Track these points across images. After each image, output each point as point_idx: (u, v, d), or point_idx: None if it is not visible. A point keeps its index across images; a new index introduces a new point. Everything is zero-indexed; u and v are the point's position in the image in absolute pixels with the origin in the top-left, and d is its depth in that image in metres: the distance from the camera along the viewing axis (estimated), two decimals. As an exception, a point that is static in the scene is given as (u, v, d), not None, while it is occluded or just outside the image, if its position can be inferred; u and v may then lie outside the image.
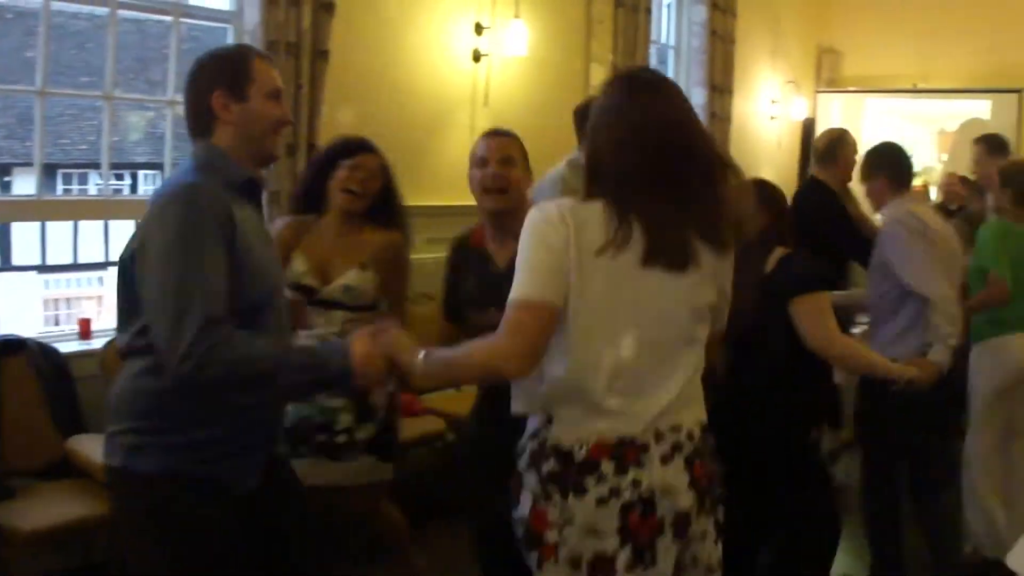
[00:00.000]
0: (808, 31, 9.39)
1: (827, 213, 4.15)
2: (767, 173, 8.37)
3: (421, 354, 1.78)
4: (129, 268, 1.87)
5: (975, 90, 8.49)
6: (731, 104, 7.53)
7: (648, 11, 6.37)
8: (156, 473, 1.84)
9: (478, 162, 2.55)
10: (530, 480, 1.80)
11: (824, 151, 4.33)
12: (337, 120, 4.18)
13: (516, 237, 1.76)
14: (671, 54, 7.47)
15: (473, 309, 2.54)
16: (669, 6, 7.47)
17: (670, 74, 7.47)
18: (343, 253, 2.85)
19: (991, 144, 4.97)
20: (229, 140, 1.94)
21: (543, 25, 5.47)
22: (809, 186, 4.52)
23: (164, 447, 1.85)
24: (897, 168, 3.52)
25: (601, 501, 1.72)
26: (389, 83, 4.63)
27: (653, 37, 6.71)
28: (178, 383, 1.75)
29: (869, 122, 9.01)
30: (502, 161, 2.53)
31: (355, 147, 2.92)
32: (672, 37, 7.45)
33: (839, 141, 4.34)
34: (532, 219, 1.75)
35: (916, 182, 7.96)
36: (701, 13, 7.22)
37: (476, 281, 2.56)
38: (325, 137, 4.08)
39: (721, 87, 7.38)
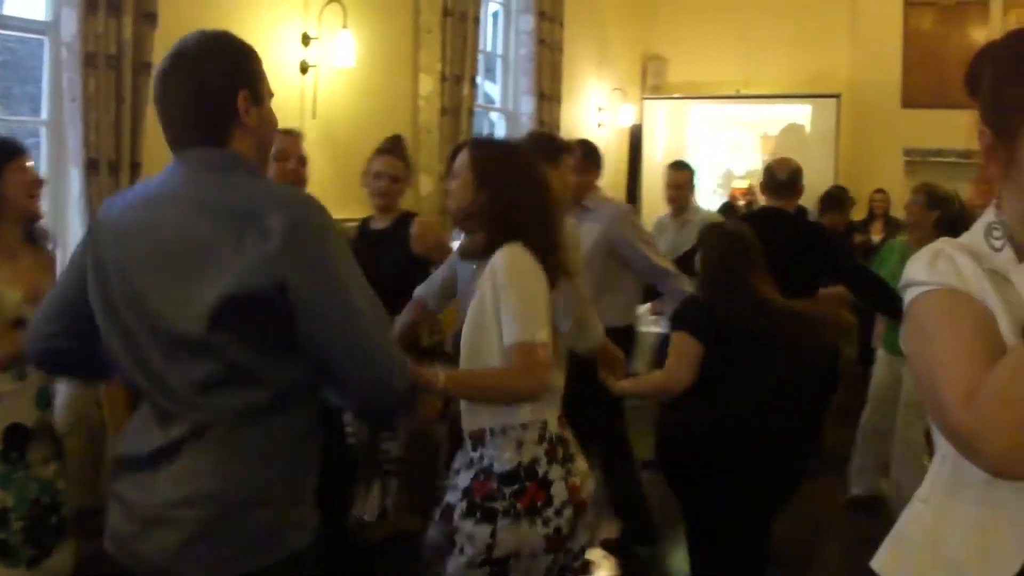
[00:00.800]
0: (634, 39, 10.05)
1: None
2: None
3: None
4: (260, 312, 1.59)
5: (796, 95, 9.41)
6: (559, 112, 8.00)
7: (476, 20, 6.71)
8: None
9: (277, 154, 2.99)
10: None
11: (787, 182, 4.44)
12: (161, 136, 4.26)
13: None
14: (499, 63, 7.88)
15: None
16: (496, 15, 7.86)
17: (498, 83, 7.87)
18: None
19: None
20: (247, 150, 1.74)
21: (371, 35, 5.71)
22: (802, 220, 4.83)
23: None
24: None
25: None
26: (213, 95, 4.73)
27: (481, 46, 7.06)
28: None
29: (694, 127, 9.77)
30: (300, 159, 3.07)
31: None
32: (500, 46, 7.86)
33: (800, 172, 4.52)
34: (517, 264, 2.17)
35: (742, 184, 8.79)
36: (528, 22, 7.63)
37: None
38: (149, 154, 4.18)
39: (549, 95, 7.82)
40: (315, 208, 1.65)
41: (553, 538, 2.14)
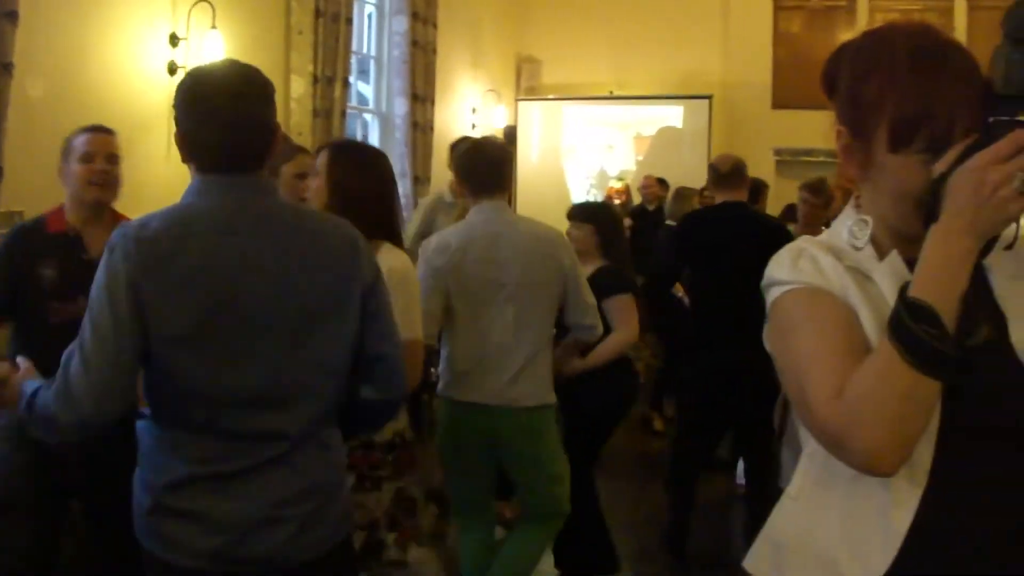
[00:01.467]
0: (508, 40, 10.40)
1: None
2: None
3: None
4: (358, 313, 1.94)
5: (669, 97, 9.91)
6: (433, 114, 8.24)
7: (349, 21, 6.87)
8: None
9: (83, 157, 3.01)
10: None
11: (731, 173, 4.67)
12: (24, 139, 4.30)
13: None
14: (372, 64, 8.10)
15: (57, 299, 2.88)
16: (370, 16, 8.06)
17: (371, 85, 8.07)
18: None
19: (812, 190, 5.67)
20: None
21: (241, 36, 5.81)
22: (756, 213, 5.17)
23: None
24: None
25: None
26: (78, 98, 4.78)
27: (355, 48, 7.25)
28: None
29: (568, 128, 10.16)
30: (108, 158, 3.04)
31: None
32: (373, 47, 8.08)
33: (743, 164, 4.80)
34: (398, 269, 2.69)
35: (617, 184, 9.20)
36: (402, 23, 7.86)
37: (60, 269, 2.93)
38: (11, 159, 4.23)
39: (423, 97, 8.05)
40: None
41: None
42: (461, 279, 3.20)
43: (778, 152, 9.91)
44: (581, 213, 4.21)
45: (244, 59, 5.92)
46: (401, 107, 7.92)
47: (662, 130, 9.93)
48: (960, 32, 9.85)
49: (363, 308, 1.92)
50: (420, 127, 8.02)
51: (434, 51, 8.20)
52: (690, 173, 8.51)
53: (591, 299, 3.39)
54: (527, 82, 10.68)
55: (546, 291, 3.27)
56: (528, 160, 10.13)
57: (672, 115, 9.99)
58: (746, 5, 10.36)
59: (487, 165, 3.34)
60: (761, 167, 9.37)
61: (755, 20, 10.31)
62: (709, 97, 9.72)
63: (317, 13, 6.50)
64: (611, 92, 10.23)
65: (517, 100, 10.42)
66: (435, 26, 8.17)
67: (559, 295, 3.30)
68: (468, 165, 3.42)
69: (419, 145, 7.95)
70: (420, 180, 7.93)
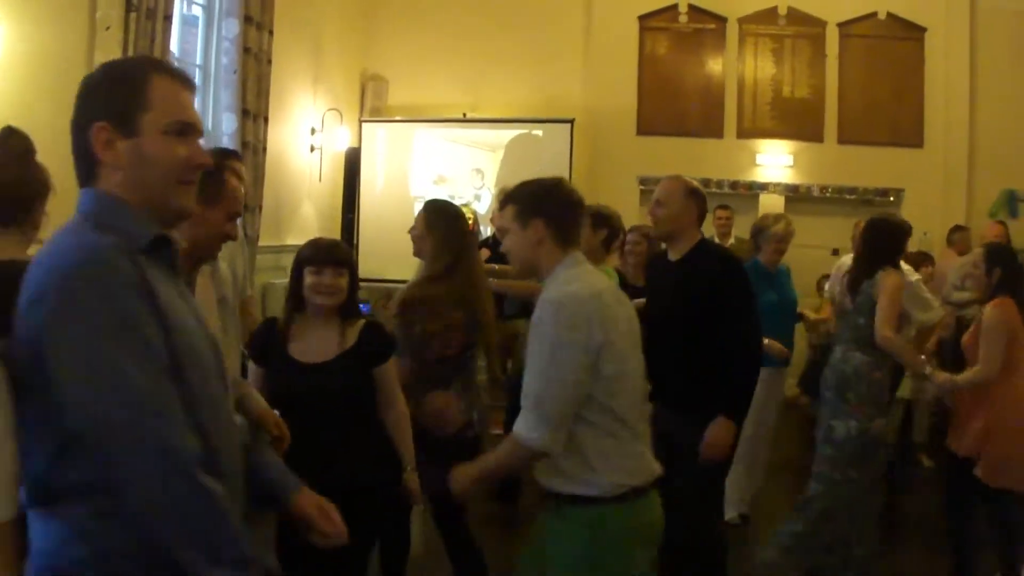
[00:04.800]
0: (352, 56, 10.60)
1: None
2: (308, 208, 9.30)
3: None
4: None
5: (528, 120, 10.20)
6: (266, 133, 8.17)
7: (168, 19, 6.54)
8: None
9: None
10: None
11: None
12: None
13: None
14: (198, 73, 7.84)
15: None
16: (197, 17, 7.89)
17: (197, 97, 7.95)
18: None
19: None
20: (119, 188, 1.90)
21: (33, 30, 5.59)
22: None
23: None
24: None
25: None
26: None
27: (177, 53, 7.16)
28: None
29: (419, 152, 10.31)
30: None
31: None
32: (199, 54, 7.91)
33: None
34: None
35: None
36: (233, 27, 7.79)
37: None
38: None
39: (255, 113, 7.97)
40: (75, 263, 1.84)
41: None
42: None
43: (643, 181, 10.31)
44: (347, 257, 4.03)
45: (37, 58, 5.75)
46: (229, 124, 7.80)
47: (519, 153, 10.14)
48: (832, 59, 10.51)
49: None
50: (251, 148, 7.91)
51: (269, 61, 8.15)
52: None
53: None
54: (372, 102, 10.83)
55: None
56: (372, 186, 10.25)
57: (531, 139, 10.26)
58: (610, 25, 10.84)
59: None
60: (625, 196, 9.77)
61: (620, 41, 10.80)
62: (571, 121, 10.06)
63: (128, 6, 6.18)
64: (464, 114, 10.46)
65: (361, 121, 10.56)
66: (271, 33, 8.13)
67: None
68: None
69: (249, 168, 7.68)
70: (249, 208, 7.73)
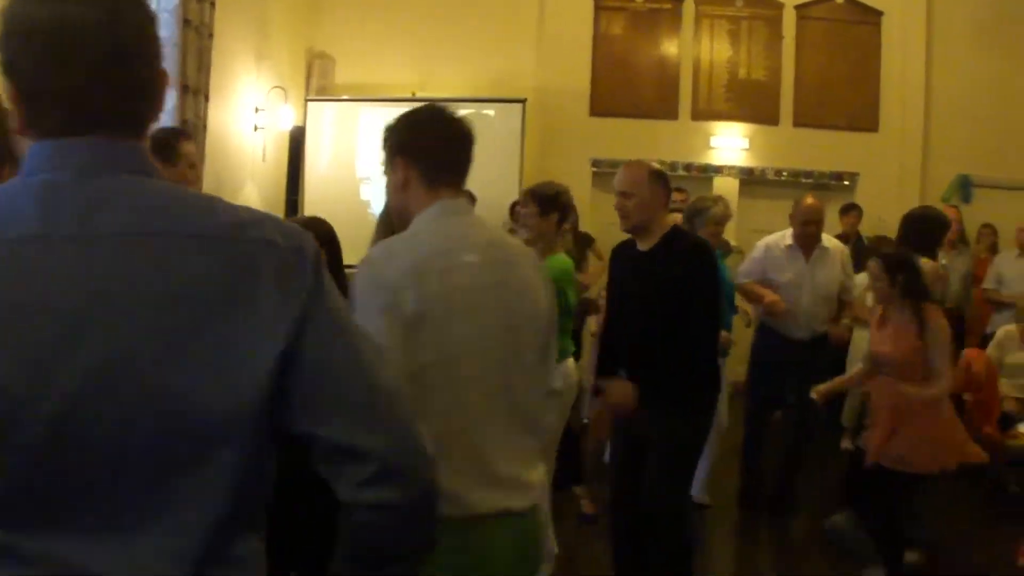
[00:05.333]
0: (298, 33, 10.48)
1: None
2: (251, 189, 9.19)
3: None
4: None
5: (479, 100, 10.11)
6: (207, 110, 8.03)
7: None
8: None
9: None
10: None
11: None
12: None
13: None
14: (134, 46, 7.76)
15: None
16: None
17: (134, 69, 7.83)
18: None
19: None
20: None
21: None
22: None
23: None
24: None
25: None
26: None
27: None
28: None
29: (366, 132, 10.23)
30: None
31: None
32: (136, 25, 7.78)
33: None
34: None
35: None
36: (172, -2, 7.65)
37: None
38: None
39: (195, 89, 7.82)
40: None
41: None
42: None
43: (596, 163, 10.33)
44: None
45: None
46: (168, 100, 7.63)
47: (467, 118, 10.10)
48: (788, 41, 10.57)
49: None
50: (191, 125, 7.70)
51: (211, 35, 7.99)
52: (500, 181, 8.74)
53: None
54: (319, 81, 10.73)
55: None
56: (317, 166, 10.17)
57: (482, 120, 10.20)
58: (564, 4, 10.83)
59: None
60: (577, 178, 9.76)
61: (574, 20, 10.79)
62: (523, 101, 10.04)
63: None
64: (413, 93, 10.38)
65: (307, 100, 10.45)
66: (213, 5, 7.97)
67: None
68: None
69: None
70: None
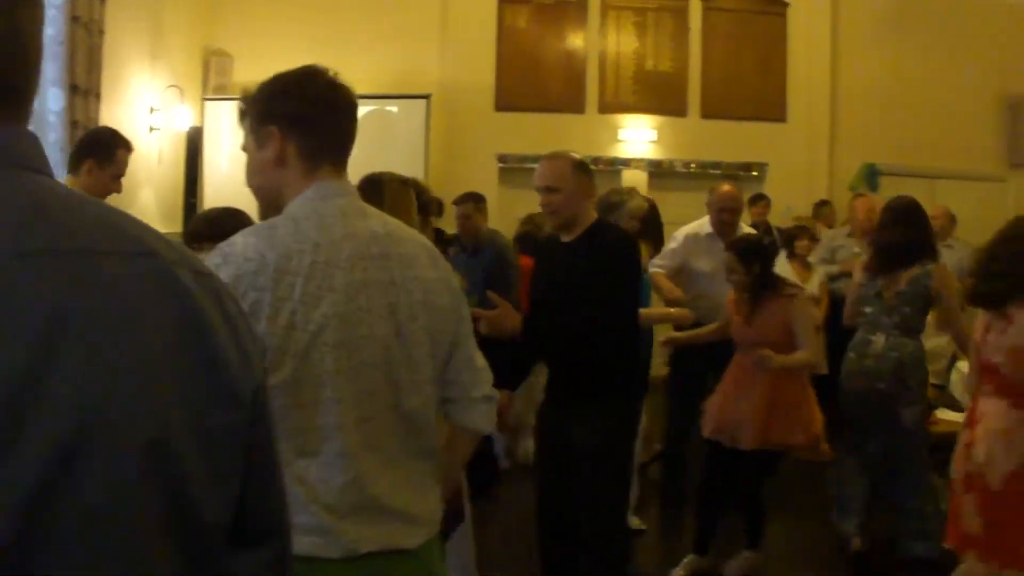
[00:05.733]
0: (193, 30, 10.32)
1: None
2: (147, 193, 9.02)
3: None
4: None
5: (382, 96, 10.06)
6: (98, 110, 7.89)
7: None
8: None
9: None
10: None
11: None
12: None
13: None
14: (19, 44, 7.57)
15: None
16: (15, -16, 7.60)
17: (19, 69, 7.63)
18: None
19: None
20: None
21: None
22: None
23: None
24: None
25: None
26: None
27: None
28: None
29: (265, 133, 10.07)
30: None
31: None
32: (20, 23, 7.59)
33: None
34: None
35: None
36: (59, -6, 7.47)
37: None
38: None
39: (86, 88, 7.67)
40: None
41: None
42: None
43: (502, 158, 10.32)
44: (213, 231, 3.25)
45: None
46: (56, 101, 7.49)
47: (373, 131, 10.07)
48: (695, 33, 10.68)
49: None
50: (82, 127, 7.58)
51: (101, 32, 7.83)
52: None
53: None
54: (216, 79, 10.56)
55: None
56: (216, 167, 10.00)
57: (386, 116, 10.16)
58: (468, -3, 10.78)
59: None
60: (484, 174, 9.75)
61: (478, 13, 10.78)
62: (427, 97, 10.01)
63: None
64: (316, 92, 10.26)
65: (204, 99, 10.28)
66: (103, 0, 7.82)
67: None
68: None
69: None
70: (83, 189, 7.54)
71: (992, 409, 3.84)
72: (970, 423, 3.97)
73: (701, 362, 6.04)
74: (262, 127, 2.20)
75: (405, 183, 3.92)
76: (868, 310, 5.37)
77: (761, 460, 4.99)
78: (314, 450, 2.00)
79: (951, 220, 8.57)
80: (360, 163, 8.86)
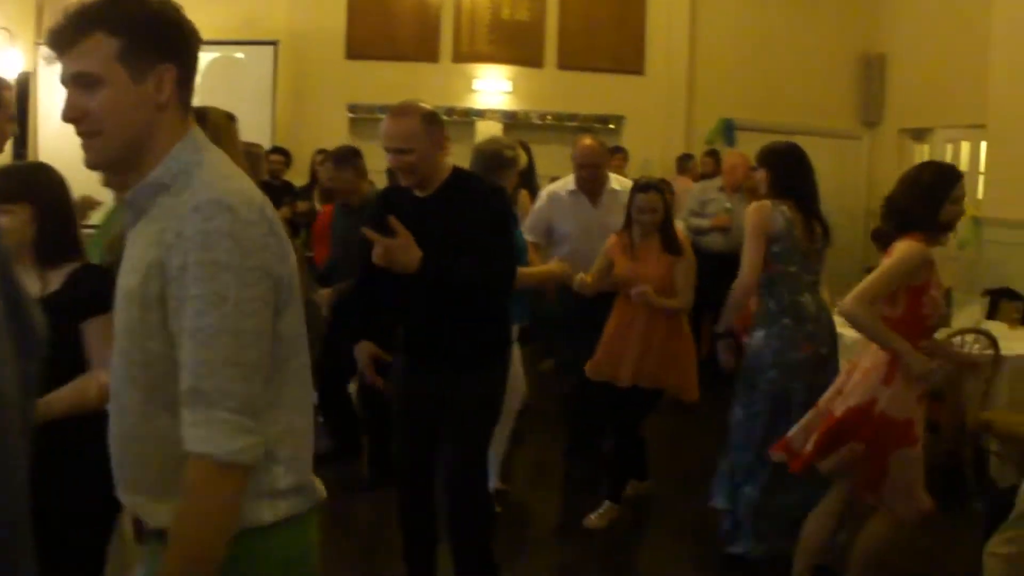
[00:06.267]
0: (23, -30, 9.88)
1: None
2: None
3: None
4: None
5: (228, 42, 9.82)
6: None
7: None
8: None
9: None
10: None
11: None
12: None
13: None
14: None
15: None
16: None
17: None
18: None
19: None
20: None
21: None
22: None
23: None
24: None
25: None
26: None
27: None
28: None
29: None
30: None
31: None
32: None
33: None
34: None
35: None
36: None
37: None
38: None
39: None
40: None
41: None
42: None
43: (353, 108, 10.21)
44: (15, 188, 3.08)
45: None
46: None
47: (217, 78, 9.86)
48: (551, 9, 10.74)
49: None
50: None
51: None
52: (251, 129, 8.47)
53: None
54: (50, 21, 10.15)
55: None
56: (50, 118, 9.64)
57: (231, 63, 9.95)
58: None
59: None
60: (334, 124, 9.63)
61: (329, -43, 10.54)
62: (275, 43, 9.84)
63: None
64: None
65: (37, 44, 9.91)
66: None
67: None
68: None
69: None
70: None
71: (871, 348, 3.98)
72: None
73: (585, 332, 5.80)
74: (157, 62, 1.86)
75: (231, 118, 3.71)
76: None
77: (638, 397, 5.17)
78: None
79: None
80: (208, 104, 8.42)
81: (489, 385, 4.04)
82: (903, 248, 3.86)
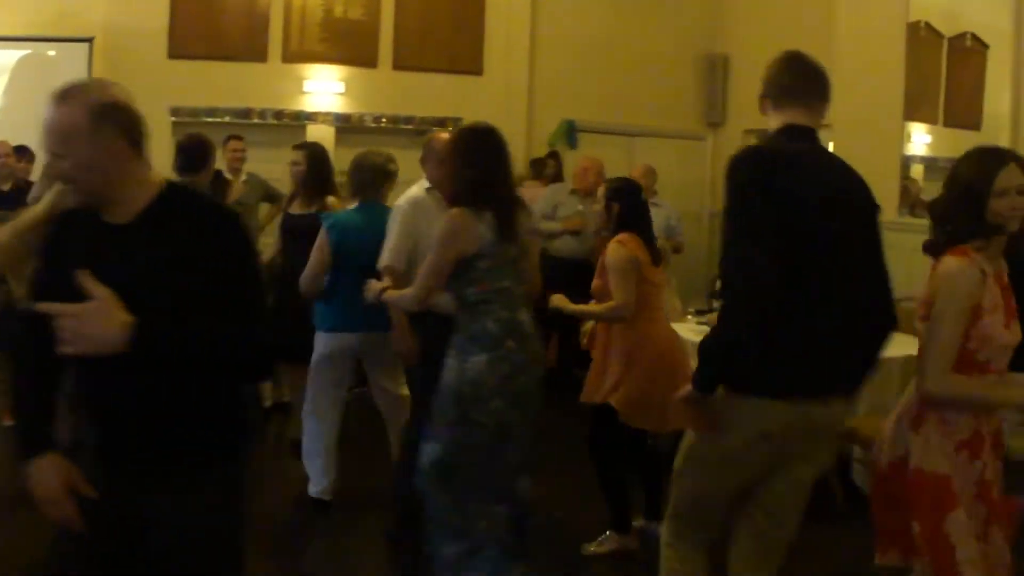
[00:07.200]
0: None
1: None
2: None
3: None
4: None
5: (39, 38, 9.64)
6: None
7: None
8: None
9: None
10: None
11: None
12: None
13: None
14: None
15: None
16: None
17: None
18: None
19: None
20: None
21: None
22: None
23: None
24: None
25: None
26: None
27: None
28: None
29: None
30: None
31: None
32: None
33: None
34: None
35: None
36: None
37: None
38: None
39: None
40: None
41: None
42: None
43: (175, 111, 9.99)
44: None
45: None
46: None
47: (24, 61, 9.59)
48: (386, 8, 10.73)
49: None
50: None
51: None
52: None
53: None
54: None
55: None
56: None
57: (43, 62, 9.66)
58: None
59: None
60: (155, 128, 9.30)
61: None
62: (90, 40, 9.62)
63: None
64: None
65: None
66: None
67: None
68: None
69: None
70: None
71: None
72: None
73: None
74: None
75: None
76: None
77: (596, 415, 5.10)
78: None
79: (654, 177, 8.83)
80: (14, 111, 8.34)
81: (215, 505, 2.76)
82: (941, 273, 3.24)
